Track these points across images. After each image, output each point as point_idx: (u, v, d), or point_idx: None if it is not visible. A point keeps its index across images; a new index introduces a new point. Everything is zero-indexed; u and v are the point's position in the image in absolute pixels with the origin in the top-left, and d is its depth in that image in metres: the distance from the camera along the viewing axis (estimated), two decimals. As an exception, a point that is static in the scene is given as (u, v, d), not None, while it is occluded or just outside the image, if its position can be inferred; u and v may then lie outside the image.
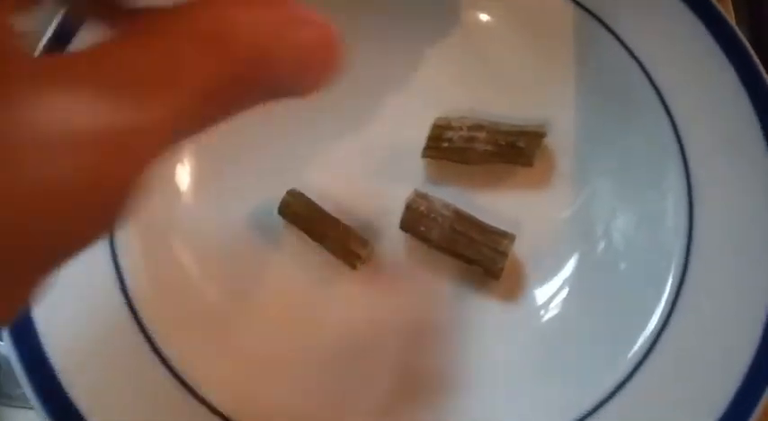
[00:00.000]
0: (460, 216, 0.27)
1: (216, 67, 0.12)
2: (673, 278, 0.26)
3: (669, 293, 0.25)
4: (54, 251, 0.12)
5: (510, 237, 0.27)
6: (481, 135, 0.28)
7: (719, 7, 0.28)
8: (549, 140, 0.29)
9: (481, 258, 0.27)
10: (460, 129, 0.28)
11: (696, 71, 0.28)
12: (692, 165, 0.27)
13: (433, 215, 0.27)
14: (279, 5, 0.13)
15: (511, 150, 0.28)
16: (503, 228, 0.27)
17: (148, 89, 0.12)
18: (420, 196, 0.27)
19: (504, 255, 0.27)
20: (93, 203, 0.11)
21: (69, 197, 0.11)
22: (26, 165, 0.10)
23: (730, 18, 0.28)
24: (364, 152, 0.29)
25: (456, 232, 0.27)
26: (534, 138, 0.28)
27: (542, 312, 0.27)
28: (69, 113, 0.11)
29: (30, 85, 0.11)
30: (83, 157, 0.11)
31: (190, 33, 0.12)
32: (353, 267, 0.28)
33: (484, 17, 0.31)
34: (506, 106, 0.29)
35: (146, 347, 0.25)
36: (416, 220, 0.27)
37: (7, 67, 0.11)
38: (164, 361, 0.25)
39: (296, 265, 0.28)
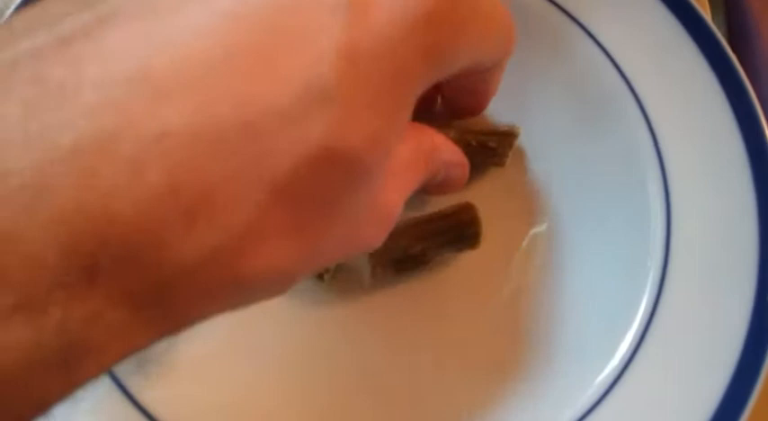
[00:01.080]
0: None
1: (432, 165, 0.20)
2: (651, 286, 0.25)
3: (647, 304, 0.25)
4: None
5: (471, 206, 0.26)
6: (450, 134, 0.27)
7: (699, 9, 0.27)
8: (523, 142, 0.28)
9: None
10: None
11: (674, 73, 0.27)
12: (669, 170, 0.26)
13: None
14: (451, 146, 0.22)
15: (482, 150, 0.27)
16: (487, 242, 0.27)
17: (411, 176, 0.19)
18: None
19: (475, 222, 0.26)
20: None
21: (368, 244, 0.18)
22: (367, 230, 0.17)
23: (706, 14, 0.27)
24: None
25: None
26: (506, 139, 0.27)
27: (519, 319, 0.27)
28: (394, 200, 0.18)
29: (385, 177, 0.17)
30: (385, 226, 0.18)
31: (420, 147, 0.19)
32: (320, 278, 0.26)
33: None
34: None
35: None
36: None
37: (384, 164, 0.16)
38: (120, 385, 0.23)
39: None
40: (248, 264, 0.14)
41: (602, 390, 0.24)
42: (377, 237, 0.18)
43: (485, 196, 0.28)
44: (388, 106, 0.15)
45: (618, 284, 0.26)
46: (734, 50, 0.26)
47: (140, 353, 0.14)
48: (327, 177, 0.14)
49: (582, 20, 0.28)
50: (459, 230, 0.26)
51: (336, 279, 0.27)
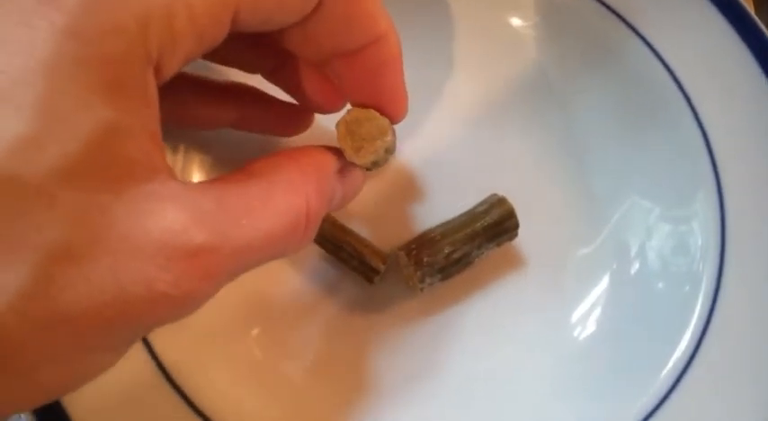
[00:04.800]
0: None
1: (298, 204, 0.16)
2: (703, 298, 0.25)
3: (700, 314, 0.24)
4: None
5: (503, 199, 0.26)
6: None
7: (754, 16, 0.26)
8: (581, 159, 0.28)
9: None
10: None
11: (730, 85, 0.26)
12: (724, 181, 0.25)
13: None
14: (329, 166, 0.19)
15: (493, 233, 0.26)
16: (538, 250, 0.27)
17: (240, 220, 0.14)
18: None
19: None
20: (160, 308, 0.13)
21: (135, 301, 0.12)
22: (103, 263, 0.12)
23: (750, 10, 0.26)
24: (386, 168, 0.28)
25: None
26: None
27: (576, 331, 0.27)
28: (168, 229, 0.13)
29: (152, 196, 0.13)
30: (165, 269, 0.12)
31: (277, 184, 0.16)
32: (370, 281, 0.26)
33: (516, 22, 0.29)
34: (536, 127, 0.28)
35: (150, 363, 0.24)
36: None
37: (144, 174, 0.13)
38: (165, 372, 0.24)
39: (308, 279, 0.27)
40: None
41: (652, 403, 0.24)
42: None
43: (546, 215, 0.28)
44: None
45: (673, 292, 0.25)
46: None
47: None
48: None
49: (632, 21, 0.27)
50: (496, 226, 0.26)
51: (385, 282, 0.27)
